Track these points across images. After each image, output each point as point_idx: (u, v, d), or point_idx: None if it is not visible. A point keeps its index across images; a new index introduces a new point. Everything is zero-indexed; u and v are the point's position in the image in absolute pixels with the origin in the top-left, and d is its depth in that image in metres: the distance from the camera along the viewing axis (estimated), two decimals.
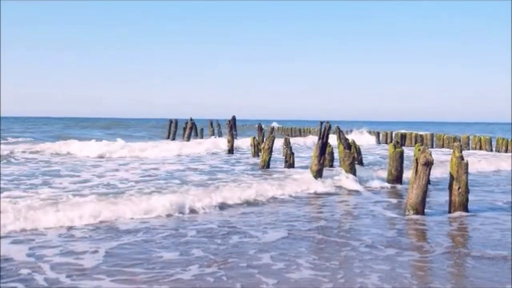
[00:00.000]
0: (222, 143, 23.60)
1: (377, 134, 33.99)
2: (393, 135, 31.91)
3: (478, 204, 9.44)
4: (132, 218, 7.72)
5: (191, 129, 29.49)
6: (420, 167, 8.11)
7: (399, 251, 6.16)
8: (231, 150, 22.17)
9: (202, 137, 35.22)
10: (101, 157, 18.31)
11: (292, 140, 27.76)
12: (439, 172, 13.56)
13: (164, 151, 20.42)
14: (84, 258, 5.57)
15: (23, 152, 18.72)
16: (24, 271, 5.09)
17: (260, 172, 14.31)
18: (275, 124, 56.90)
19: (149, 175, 12.97)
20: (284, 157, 16.43)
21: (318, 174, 12.25)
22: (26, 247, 5.98)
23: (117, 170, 14.40)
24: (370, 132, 35.24)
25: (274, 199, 9.94)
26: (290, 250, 6.07)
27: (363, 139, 31.77)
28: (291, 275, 5.11)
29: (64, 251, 5.86)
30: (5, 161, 15.97)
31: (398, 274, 5.24)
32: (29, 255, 5.67)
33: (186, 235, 6.75)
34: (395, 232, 7.22)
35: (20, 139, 27.31)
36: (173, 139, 35.90)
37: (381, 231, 7.25)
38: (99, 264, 5.40)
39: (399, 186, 11.99)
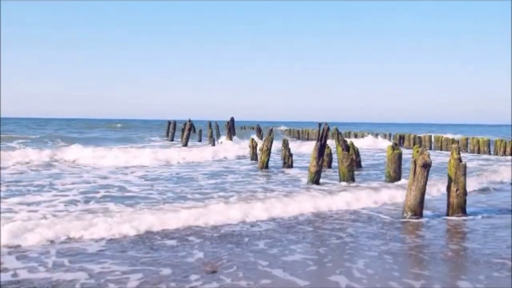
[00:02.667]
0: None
1: (401, 138, 31.57)
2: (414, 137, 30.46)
3: (477, 206, 9.47)
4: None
5: (190, 130, 29.45)
6: (418, 169, 8.09)
7: (385, 242, 6.69)
8: None
9: (200, 139, 35.43)
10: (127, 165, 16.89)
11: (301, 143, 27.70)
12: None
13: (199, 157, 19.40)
14: None
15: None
16: None
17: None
18: (283, 127, 56.85)
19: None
20: (282, 159, 16.46)
21: (316, 175, 12.24)
22: None
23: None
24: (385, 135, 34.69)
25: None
26: None
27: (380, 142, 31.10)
28: None
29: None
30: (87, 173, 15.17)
31: (382, 260, 5.82)
32: None
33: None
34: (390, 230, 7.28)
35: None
36: (172, 139, 36.71)
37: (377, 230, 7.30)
38: None
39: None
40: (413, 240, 6.91)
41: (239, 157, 20.02)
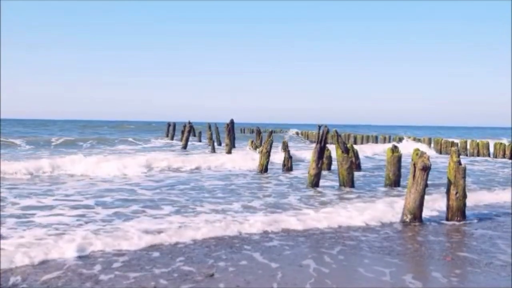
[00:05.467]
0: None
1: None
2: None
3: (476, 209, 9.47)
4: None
5: (189, 132, 29.47)
6: (418, 172, 8.07)
7: (364, 234, 7.19)
8: (229, 153, 22.23)
9: (200, 139, 35.94)
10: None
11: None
12: None
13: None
14: None
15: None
16: None
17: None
18: (295, 130, 56.01)
19: None
20: (282, 161, 16.43)
21: (316, 178, 12.23)
22: None
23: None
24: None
25: None
26: None
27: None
28: None
29: None
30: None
31: (357, 249, 6.26)
32: None
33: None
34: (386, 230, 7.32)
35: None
36: (172, 139, 37.70)
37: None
38: None
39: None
40: (395, 235, 7.15)
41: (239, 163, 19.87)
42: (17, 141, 29.19)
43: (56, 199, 9.76)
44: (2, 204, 9.05)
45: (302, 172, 15.20)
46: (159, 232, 6.87)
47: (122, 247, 6.14)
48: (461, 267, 5.70)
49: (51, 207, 8.85)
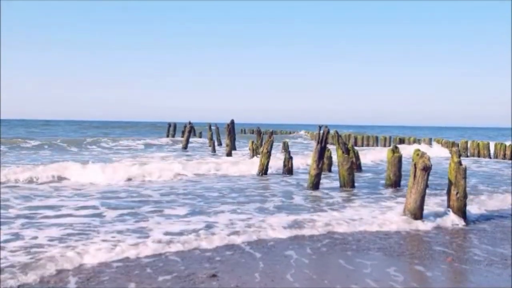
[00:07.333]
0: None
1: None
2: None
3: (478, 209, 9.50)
4: None
5: (190, 132, 29.52)
6: (418, 172, 8.09)
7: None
8: (229, 154, 22.26)
9: (201, 137, 36.89)
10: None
11: None
12: None
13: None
14: None
15: None
16: None
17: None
18: (303, 132, 55.58)
19: None
20: (283, 162, 16.43)
21: (316, 179, 12.24)
22: None
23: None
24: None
25: None
26: None
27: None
28: None
29: None
30: None
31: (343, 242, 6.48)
32: None
33: None
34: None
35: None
36: (173, 136, 38.96)
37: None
38: None
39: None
40: (394, 234, 7.25)
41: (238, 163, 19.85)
42: (25, 140, 29.72)
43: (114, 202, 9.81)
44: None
45: (302, 172, 15.21)
46: (180, 235, 6.73)
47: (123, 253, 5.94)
48: (458, 266, 5.73)
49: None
